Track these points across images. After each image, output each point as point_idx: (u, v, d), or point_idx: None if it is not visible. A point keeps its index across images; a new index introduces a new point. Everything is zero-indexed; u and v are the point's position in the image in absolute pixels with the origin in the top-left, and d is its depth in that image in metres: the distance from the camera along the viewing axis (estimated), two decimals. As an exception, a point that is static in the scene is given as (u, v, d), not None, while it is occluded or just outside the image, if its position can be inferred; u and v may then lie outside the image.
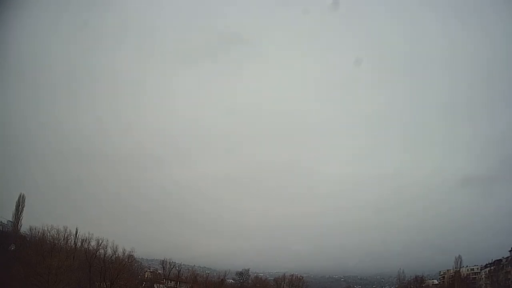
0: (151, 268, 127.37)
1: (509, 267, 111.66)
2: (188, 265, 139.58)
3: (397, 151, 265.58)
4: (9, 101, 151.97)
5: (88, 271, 76.96)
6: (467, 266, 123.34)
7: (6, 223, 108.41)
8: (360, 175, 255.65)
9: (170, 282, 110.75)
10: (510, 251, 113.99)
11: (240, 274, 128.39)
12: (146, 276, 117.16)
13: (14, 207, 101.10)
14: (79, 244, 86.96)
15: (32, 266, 67.33)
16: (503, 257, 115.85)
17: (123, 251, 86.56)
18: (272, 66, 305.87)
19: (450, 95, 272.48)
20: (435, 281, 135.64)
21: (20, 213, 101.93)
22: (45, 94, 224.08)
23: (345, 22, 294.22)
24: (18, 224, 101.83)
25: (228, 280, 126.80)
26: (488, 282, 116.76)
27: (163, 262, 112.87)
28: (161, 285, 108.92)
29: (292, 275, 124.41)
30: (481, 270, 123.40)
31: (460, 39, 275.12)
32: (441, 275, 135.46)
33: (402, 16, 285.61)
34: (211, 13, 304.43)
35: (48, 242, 78.51)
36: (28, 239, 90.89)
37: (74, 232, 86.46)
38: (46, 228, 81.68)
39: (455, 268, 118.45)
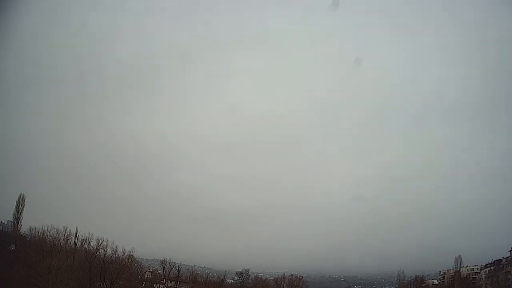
0: (151, 268, 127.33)
1: (509, 267, 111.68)
2: (188, 265, 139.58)
3: (397, 149, 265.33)
4: (9, 101, 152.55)
5: (88, 271, 76.99)
6: (467, 266, 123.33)
7: (6, 223, 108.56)
8: (359, 173, 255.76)
9: (170, 282, 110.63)
10: (510, 251, 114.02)
11: (240, 274, 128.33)
12: (146, 276, 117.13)
13: (14, 207, 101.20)
14: (79, 244, 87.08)
15: (32, 266, 67.38)
16: (503, 257, 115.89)
17: (123, 251, 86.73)
18: (272, 66, 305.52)
19: (450, 93, 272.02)
20: (435, 281, 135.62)
21: (20, 213, 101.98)
22: (47, 94, 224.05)
23: (345, 22, 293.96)
24: (18, 224, 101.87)
25: (228, 280, 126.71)
26: (488, 282, 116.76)
27: (163, 262, 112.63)
28: (161, 285, 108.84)
29: (292, 275, 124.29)
30: (481, 270, 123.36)
31: (460, 38, 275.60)
32: (441, 275, 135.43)
33: (402, 16, 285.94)
34: (211, 14, 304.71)
35: (48, 242, 78.44)
36: (28, 239, 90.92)
37: (74, 232, 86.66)
38: (46, 228, 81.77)
39: (455, 268, 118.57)
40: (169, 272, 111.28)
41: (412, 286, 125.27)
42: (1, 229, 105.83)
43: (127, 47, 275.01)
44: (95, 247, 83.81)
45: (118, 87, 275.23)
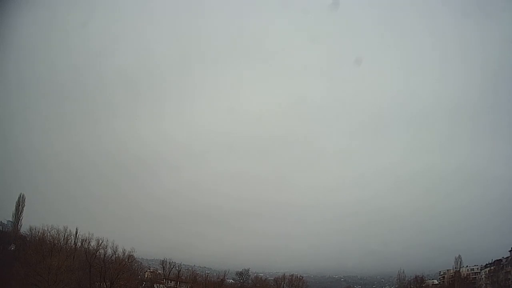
0: (151, 268, 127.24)
1: (509, 267, 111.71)
2: (188, 265, 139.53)
3: (397, 150, 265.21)
4: (10, 101, 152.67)
5: (88, 271, 77.03)
6: (467, 266, 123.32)
7: (6, 223, 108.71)
8: (360, 173, 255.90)
9: (170, 282, 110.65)
10: (510, 251, 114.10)
11: (240, 274, 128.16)
12: (146, 276, 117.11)
13: (14, 207, 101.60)
14: (79, 244, 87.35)
15: (32, 266, 67.50)
16: (503, 257, 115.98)
17: (123, 251, 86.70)
18: (272, 67, 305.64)
19: (451, 94, 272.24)
20: (435, 281, 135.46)
21: (20, 213, 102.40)
22: (49, 96, 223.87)
23: (345, 22, 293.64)
24: (18, 224, 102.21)
25: (228, 280, 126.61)
26: (488, 282, 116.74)
27: (163, 262, 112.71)
28: (161, 285, 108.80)
29: (292, 275, 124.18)
30: (481, 270, 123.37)
31: (460, 38, 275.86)
32: (441, 275, 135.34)
33: (402, 16, 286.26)
34: (211, 16, 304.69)
35: (48, 242, 78.66)
36: (28, 239, 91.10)
37: (74, 232, 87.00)
38: (46, 228, 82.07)
39: (455, 268, 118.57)
40: (169, 272, 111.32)
41: (412, 286, 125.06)
42: (1, 229, 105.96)
43: (128, 52, 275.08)
44: (95, 247, 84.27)
45: (122, 90, 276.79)
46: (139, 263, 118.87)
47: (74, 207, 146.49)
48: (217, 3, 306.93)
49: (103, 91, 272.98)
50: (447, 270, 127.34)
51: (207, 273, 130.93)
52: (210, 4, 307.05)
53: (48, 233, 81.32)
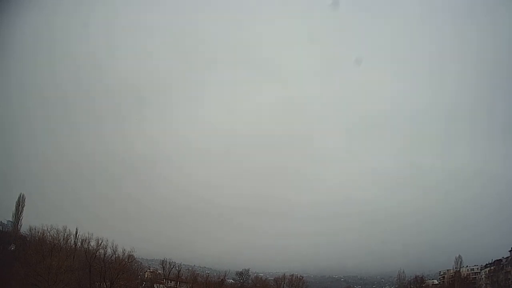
0: (151, 268, 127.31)
1: (509, 267, 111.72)
2: (188, 265, 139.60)
3: (397, 151, 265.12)
4: (10, 100, 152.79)
5: (88, 271, 77.02)
6: (467, 266, 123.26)
7: (6, 223, 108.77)
8: (360, 173, 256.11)
9: (170, 282, 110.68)
10: (510, 251, 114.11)
11: (240, 274, 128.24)
12: (146, 276, 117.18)
13: (14, 207, 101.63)
14: (79, 244, 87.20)
15: (32, 266, 67.51)
16: (503, 257, 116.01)
17: (123, 251, 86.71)
18: (272, 67, 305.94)
19: (450, 94, 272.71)
20: (435, 281, 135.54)
21: (20, 213, 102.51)
22: (50, 94, 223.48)
23: (342, 23, 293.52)
24: (18, 224, 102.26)
25: (228, 280, 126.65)
26: (488, 282, 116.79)
27: (163, 262, 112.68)
28: (161, 285, 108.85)
29: (292, 275, 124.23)
30: (481, 270, 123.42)
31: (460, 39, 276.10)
32: (441, 275, 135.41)
33: (403, 15, 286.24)
34: (210, 17, 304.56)
35: (48, 242, 78.62)
36: (28, 239, 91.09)
37: (74, 232, 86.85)
38: (46, 228, 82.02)
39: (455, 268, 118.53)
40: (169, 272, 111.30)
41: (412, 286, 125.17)
42: (1, 229, 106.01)
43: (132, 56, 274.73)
44: (95, 247, 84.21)
45: (127, 91, 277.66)
46: (139, 263, 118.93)
47: (75, 207, 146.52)
48: (217, 5, 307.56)
49: (108, 92, 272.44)
50: (447, 270, 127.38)
51: (208, 273, 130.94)
52: (209, 7, 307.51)
53: (48, 233, 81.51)
